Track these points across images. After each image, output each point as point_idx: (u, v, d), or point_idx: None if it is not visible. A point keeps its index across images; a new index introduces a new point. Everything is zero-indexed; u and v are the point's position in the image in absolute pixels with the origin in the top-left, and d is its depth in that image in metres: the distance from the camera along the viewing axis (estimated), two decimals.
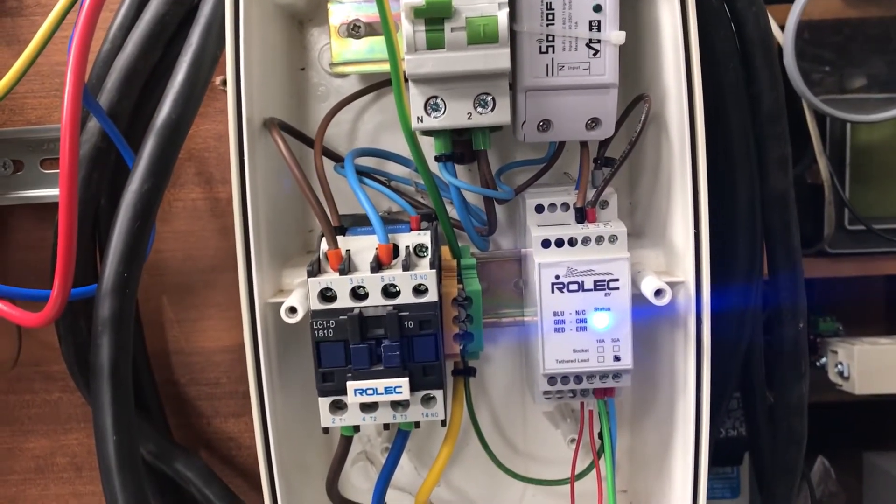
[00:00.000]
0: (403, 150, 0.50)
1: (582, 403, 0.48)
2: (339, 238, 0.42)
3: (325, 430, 0.42)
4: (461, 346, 0.44)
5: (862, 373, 0.65)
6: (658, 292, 0.42)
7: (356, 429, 0.43)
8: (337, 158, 0.49)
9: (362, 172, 0.48)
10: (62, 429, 0.57)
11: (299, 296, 0.43)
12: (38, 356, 0.56)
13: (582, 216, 0.44)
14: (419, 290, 0.40)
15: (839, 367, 0.68)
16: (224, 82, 0.42)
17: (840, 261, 0.68)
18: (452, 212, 0.46)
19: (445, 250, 0.46)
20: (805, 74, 0.61)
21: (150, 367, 0.54)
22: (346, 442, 0.44)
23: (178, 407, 0.56)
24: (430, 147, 0.43)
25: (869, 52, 0.69)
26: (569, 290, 0.43)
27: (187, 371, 0.56)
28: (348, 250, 0.42)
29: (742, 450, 0.74)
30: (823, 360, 0.70)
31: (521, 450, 0.54)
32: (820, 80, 0.69)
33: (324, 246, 0.42)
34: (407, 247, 0.42)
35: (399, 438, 0.44)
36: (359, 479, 0.54)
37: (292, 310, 0.42)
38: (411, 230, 0.43)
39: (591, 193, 0.44)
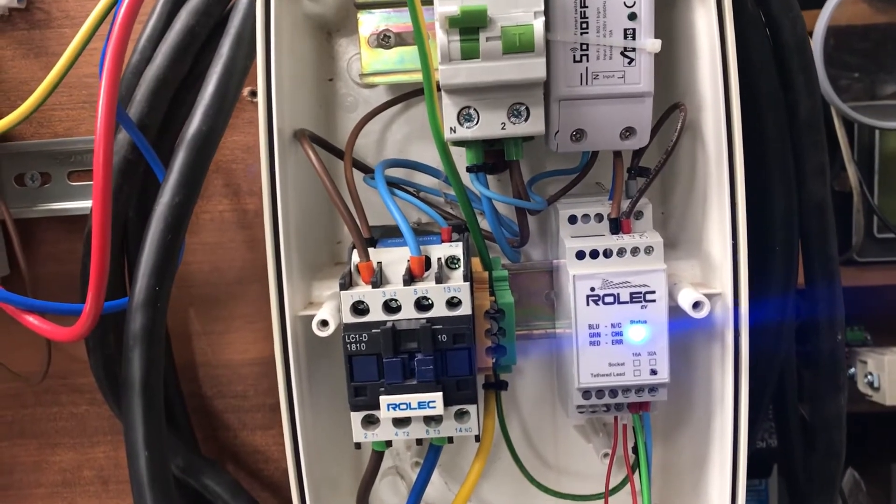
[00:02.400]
0: (432, 160, 0.49)
1: (616, 417, 0.47)
2: (371, 250, 0.42)
3: (358, 446, 0.41)
4: (493, 360, 0.43)
5: (893, 383, 0.64)
6: (696, 304, 0.41)
7: (388, 444, 0.42)
8: (366, 169, 0.49)
9: (392, 183, 0.47)
10: (89, 442, 0.57)
11: (330, 308, 0.43)
12: (65, 369, 0.56)
13: (616, 227, 0.43)
14: (452, 303, 0.40)
15: (869, 377, 0.67)
16: (252, 93, 0.42)
17: (869, 269, 0.67)
18: (483, 223, 0.45)
19: (476, 262, 0.45)
20: (833, 81, 0.61)
21: (177, 379, 0.54)
22: (378, 457, 0.43)
23: (205, 420, 0.56)
24: (459, 157, 0.42)
25: None
26: (604, 303, 0.42)
27: (214, 384, 0.56)
28: (380, 262, 0.41)
29: (771, 461, 0.73)
30: (852, 370, 0.69)
31: (553, 464, 0.53)
32: (848, 86, 0.68)
33: (355, 258, 0.41)
34: (439, 259, 0.41)
35: (431, 453, 0.43)
36: (388, 494, 0.53)
37: (324, 323, 0.42)
38: (442, 241, 0.42)
39: (625, 204, 0.44)
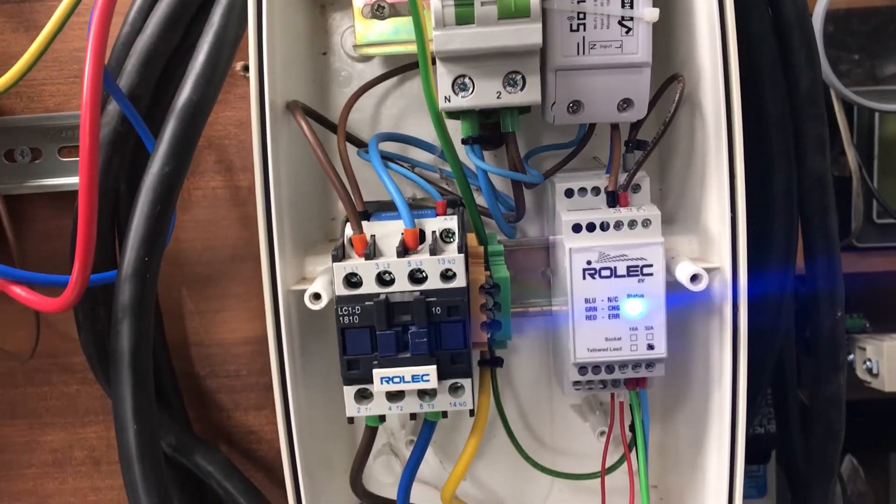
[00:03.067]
0: (428, 136, 0.49)
1: (612, 395, 0.47)
2: (364, 223, 0.41)
3: (351, 420, 0.41)
4: (489, 335, 0.42)
5: (892, 369, 0.63)
6: (694, 277, 0.41)
7: (382, 419, 0.42)
8: (360, 144, 0.48)
9: (387, 158, 0.47)
10: (80, 422, 0.56)
11: (323, 282, 0.42)
12: (56, 347, 0.55)
13: (613, 200, 0.43)
14: (447, 276, 0.39)
15: (868, 363, 0.66)
16: (245, 68, 0.41)
17: (868, 255, 0.66)
18: (479, 199, 0.44)
19: (471, 237, 0.45)
20: (833, 64, 0.60)
21: (169, 358, 0.53)
22: (371, 433, 0.43)
23: (198, 399, 0.55)
24: (455, 132, 0.41)
25: None
26: (601, 277, 0.41)
27: (207, 363, 0.55)
28: (373, 235, 0.40)
29: (769, 447, 0.72)
30: (851, 356, 0.68)
31: (549, 443, 0.53)
32: (848, 71, 0.67)
33: (348, 231, 0.41)
34: (433, 232, 0.41)
35: (425, 429, 0.43)
36: (382, 473, 0.53)
37: (316, 296, 0.41)
38: (437, 215, 0.42)
39: (622, 177, 0.43)
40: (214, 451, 0.49)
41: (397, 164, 0.47)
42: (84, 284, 0.35)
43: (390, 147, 0.49)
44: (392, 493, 0.44)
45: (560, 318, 0.45)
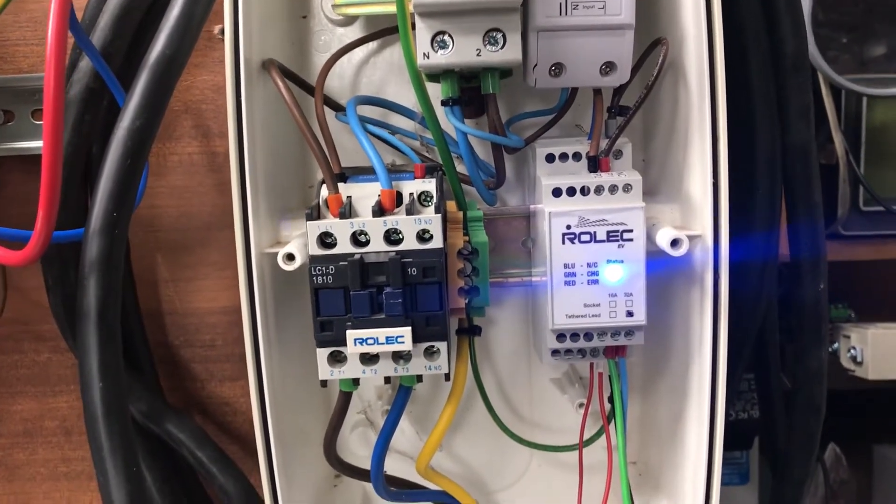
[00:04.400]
0: (408, 103, 0.48)
1: (592, 364, 0.46)
2: (340, 185, 0.40)
3: (324, 384, 0.40)
4: (466, 301, 0.42)
5: (876, 357, 0.63)
6: (675, 242, 0.40)
7: (356, 383, 0.41)
8: (339, 108, 0.47)
9: (366, 122, 0.46)
10: (51, 391, 0.55)
11: (298, 244, 0.41)
12: (27, 315, 0.54)
13: (595, 165, 0.42)
14: (423, 237, 0.38)
15: (852, 351, 0.66)
16: (222, 31, 0.40)
17: (854, 244, 0.66)
18: (459, 168, 0.44)
19: (451, 205, 0.44)
20: (822, 49, 0.60)
21: (142, 326, 0.52)
22: (345, 398, 0.42)
23: (172, 370, 0.54)
24: (435, 99, 0.41)
25: (890, 24, 0.67)
26: (580, 241, 0.41)
27: (181, 332, 0.54)
28: (349, 197, 0.40)
29: (752, 433, 0.72)
30: (836, 345, 0.68)
31: (527, 417, 0.52)
32: (836, 56, 0.67)
33: (323, 192, 0.40)
34: (411, 194, 0.40)
35: (400, 395, 0.42)
36: (358, 446, 0.52)
37: (290, 257, 0.41)
38: (415, 178, 0.41)
39: (603, 143, 0.43)
40: (186, 420, 0.48)
41: (376, 129, 0.46)
42: (48, 236, 0.34)
43: (370, 112, 0.48)
44: (368, 466, 0.43)
45: (540, 288, 0.45)
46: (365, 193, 0.40)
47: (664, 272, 0.43)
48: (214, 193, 0.51)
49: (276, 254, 0.41)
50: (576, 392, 0.50)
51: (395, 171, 0.42)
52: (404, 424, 0.51)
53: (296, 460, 0.46)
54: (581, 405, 0.50)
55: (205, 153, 0.52)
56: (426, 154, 0.48)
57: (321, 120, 0.42)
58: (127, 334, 0.51)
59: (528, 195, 0.48)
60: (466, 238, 0.42)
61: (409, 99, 0.48)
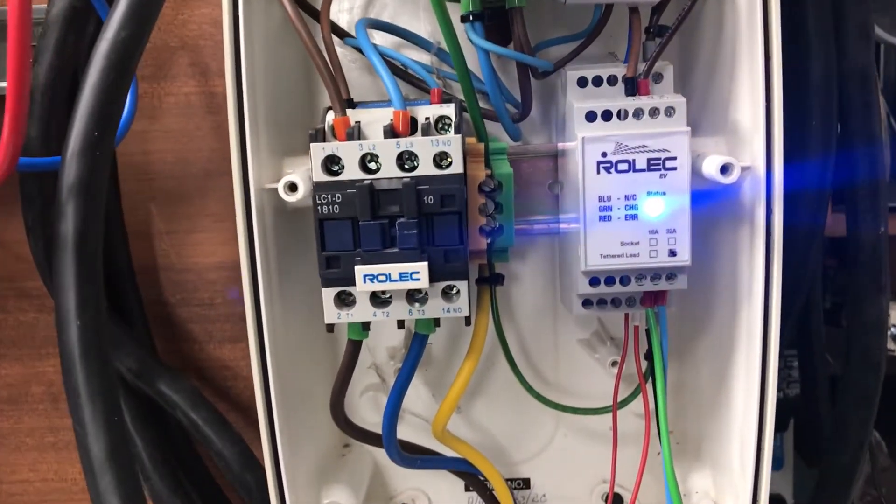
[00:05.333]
0: (423, 33, 0.44)
1: (627, 316, 0.41)
2: (349, 111, 0.36)
3: (330, 329, 0.36)
4: (489, 241, 0.37)
5: None
6: (725, 168, 0.36)
7: (365, 328, 0.37)
8: (346, 36, 0.43)
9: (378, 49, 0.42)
10: (37, 353, 0.51)
11: (302, 174, 0.37)
12: (11, 270, 0.50)
13: (633, 88, 0.38)
14: (441, 161, 0.34)
15: (892, 330, 0.61)
16: None
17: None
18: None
19: (470, 140, 0.40)
20: None
21: (135, 282, 0.48)
22: (354, 348, 0.37)
23: (167, 330, 0.50)
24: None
25: None
26: (617, 171, 0.36)
27: (178, 290, 0.50)
28: (358, 122, 0.35)
29: (788, 414, 0.67)
30: None
31: (553, 381, 0.48)
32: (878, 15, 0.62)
33: (329, 117, 0.36)
34: (427, 118, 0.36)
35: (415, 344, 0.37)
36: (369, 411, 0.48)
37: (292, 186, 0.37)
38: (432, 104, 0.37)
39: (641, 67, 0.38)
40: (181, 379, 0.44)
41: (389, 50, 0.42)
42: (18, 147, 0.30)
43: (381, 42, 0.44)
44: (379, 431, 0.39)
45: (569, 231, 0.40)
46: (375, 118, 0.36)
47: (708, 210, 0.38)
48: (213, 137, 0.47)
49: (277, 189, 0.37)
50: (607, 352, 0.46)
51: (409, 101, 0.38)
52: (419, 387, 0.47)
53: (301, 426, 0.42)
54: (614, 364, 0.45)
55: (203, 93, 0.48)
56: (444, 90, 0.44)
57: (328, 44, 0.38)
58: (117, 290, 0.47)
59: (557, 132, 0.44)
60: (488, 172, 0.37)
61: (423, 27, 0.44)
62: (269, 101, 0.39)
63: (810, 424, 0.62)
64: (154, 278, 0.50)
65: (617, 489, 0.48)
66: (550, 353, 0.47)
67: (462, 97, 0.37)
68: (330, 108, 0.36)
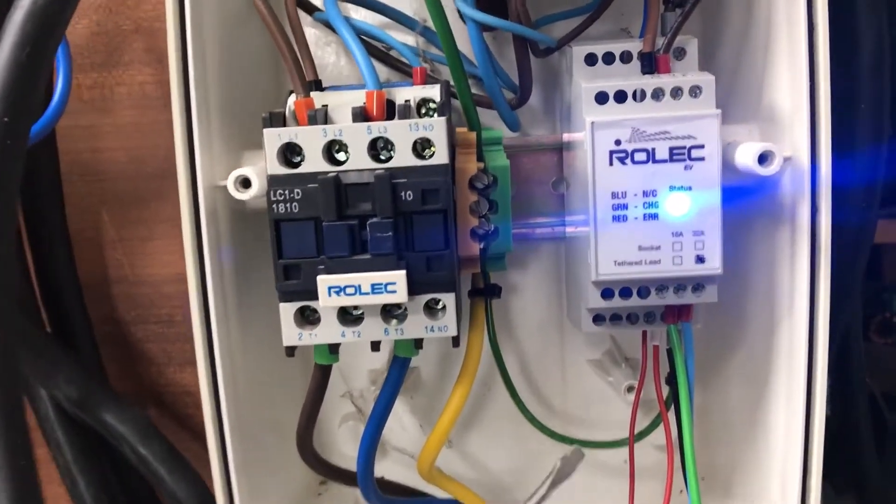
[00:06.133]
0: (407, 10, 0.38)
1: (645, 334, 0.35)
2: (315, 94, 0.30)
3: (290, 353, 0.30)
4: (482, 247, 0.31)
5: None
6: (764, 157, 0.30)
7: (334, 351, 0.31)
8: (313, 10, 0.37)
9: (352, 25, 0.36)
10: None
11: (259, 168, 0.31)
12: None
13: (651, 65, 0.32)
14: (423, 152, 0.28)
15: None
16: None
17: None
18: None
19: (460, 130, 0.34)
20: None
21: (81, 298, 0.42)
22: (323, 375, 0.32)
23: (120, 352, 0.44)
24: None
25: None
26: (633, 162, 0.31)
27: (132, 306, 0.44)
28: (325, 106, 0.30)
29: None
30: None
31: (559, 408, 0.42)
32: None
33: (290, 100, 0.30)
34: (407, 101, 0.30)
35: (395, 368, 0.32)
36: (348, 445, 0.41)
37: (244, 182, 0.31)
38: (414, 84, 0.31)
39: (660, 41, 0.32)
40: (129, 408, 0.38)
41: (364, 24, 0.36)
42: None
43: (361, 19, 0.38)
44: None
45: (576, 240, 0.35)
46: (345, 101, 0.30)
47: (740, 209, 0.32)
48: (171, 134, 0.41)
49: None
50: (622, 375, 0.40)
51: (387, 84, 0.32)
52: (403, 417, 0.41)
53: (265, 461, 0.36)
54: (630, 389, 0.39)
55: (159, 83, 0.42)
56: (430, 73, 0.38)
57: (291, 16, 0.33)
58: (60, 307, 0.41)
59: (562, 126, 0.38)
60: (481, 165, 0.32)
61: (407, 3, 0.38)
62: (225, 87, 0.34)
63: (843, 449, 0.55)
64: (105, 293, 0.44)
65: None
66: (556, 377, 0.42)
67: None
68: (293, 92, 0.31)
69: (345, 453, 0.41)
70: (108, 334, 0.44)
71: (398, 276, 0.28)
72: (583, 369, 0.41)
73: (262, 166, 0.31)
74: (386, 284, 0.28)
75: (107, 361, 0.44)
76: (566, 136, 0.36)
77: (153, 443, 0.37)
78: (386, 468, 0.40)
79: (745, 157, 0.30)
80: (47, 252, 0.41)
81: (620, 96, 0.31)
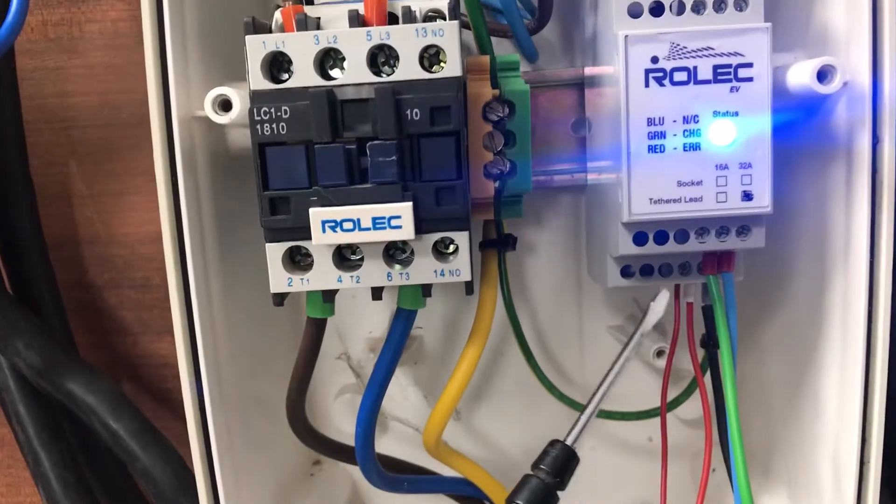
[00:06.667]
0: None
1: (678, 290, 0.32)
2: (307, 7, 0.26)
3: (279, 301, 0.26)
4: (496, 185, 0.27)
5: None
6: (823, 73, 0.26)
7: (329, 299, 0.27)
8: None
9: None
10: None
11: (240, 91, 0.27)
12: None
13: None
14: (430, 60, 0.24)
15: None
16: None
17: None
18: None
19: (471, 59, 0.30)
20: None
21: (46, 259, 0.38)
22: (316, 330, 0.28)
23: (92, 319, 0.40)
24: None
25: None
26: (672, 83, 0.27)
27: (105, 268, 0.40)
28: (318, 18, 0.26)
29: None
30: None
31: (577, 380, 0.38)
32: None
33: (277, 15, 0.26)
34: (409, 6, 0.26)
35: (398, 323, 0.27)
36: (345, 420, 0.38)
37: (224, 104, 0.27)
38: None
39: None
40: (98, 378, 0.34)
41: None
42: None
43: None
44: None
45: (599, 187, 0.31)
46: (341, 13, 0.26)
47: (784, 143, 0.28)
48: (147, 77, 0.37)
49: (205, 109, 0.27)
50: (648, 339, 0.35)
51: None
52: (407, 388, 0.37)
53: (251, 439, 0.32)
54: (660, 353, 0.35)
55: (134, 19, 0.38)
56: None
57: None
58: (22, 269, 0.37)
59: (585, 54, 0.34)
60: (496, 92, 0.28)
61: None
62: (204, 11, 0.30)
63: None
64: (74, 254, 0.40)
65: None
66: (574, 345, 0.38)
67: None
68: (279, 7, 0.27)
69: (341, 430, 0.37)
70: (77, 301, 0.40)
71: (403, 209, 0.24)
72: (602, 337, 0.38)
73: (244, 90, 0.27)
74: (389, 218, 0.24)
75: (77, 331, 0.39)
76: (588, 70, 0.33)
77: (125, 416, 0.33)
78: (386, 444, 0.37)
79: (801, 75, 0.26)
80: (9, 208, 0.37)
81: (657, 8, 0.27)
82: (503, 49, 0.32)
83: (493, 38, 0.30)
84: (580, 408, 0.34)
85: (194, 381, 0.29)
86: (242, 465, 0.31)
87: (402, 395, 0.37)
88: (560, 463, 0.29)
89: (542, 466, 0.29)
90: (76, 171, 0.39)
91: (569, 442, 0.29)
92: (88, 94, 0.39)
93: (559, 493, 0.29)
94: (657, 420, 0.33)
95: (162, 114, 0.28)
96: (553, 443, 0.29)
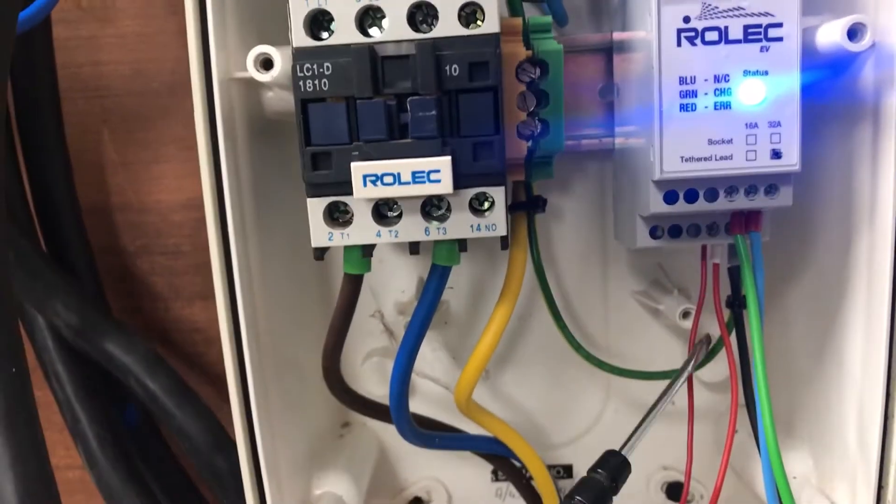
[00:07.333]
0: None
1: (704, 250, 0.32)
2: None
3: (320, 255, 0.27)
4: (529, 145, 0.28)
5: None
6: (853, 31, 0.27)
7: (367, 254, 0.27)
8: None
9: None
10: None
11: (282, 50, 0.28)
12: None
13: None
14: (469, 18, 0.25)
15: None
16: None
17: None
18: None
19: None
20: None
21: (81, 224, 0.39)
22: (353, 286, 0.28)
23: (124, 285, 0.41)
24: None
25: None
26: (704, 42, 0.27)
27: (137, 235, 0.41)
28: None
29: None
30: None
31: (602, 344, 0.38)
32: None
33: None
34: None
35: (433, 279, 0.28)
36: (374, 384, 0.38)
37: (266, 63, 0.27)
38: None
39: None
40: (136, 339, 0.35)
41: None
42: None
43: None
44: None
45: (626, 152, 0.31)
46: None
47: (810, 102, 0.29)
48: (179, 44, 0.38)
49: (252, 81, 0.28)
50: (673, 301, 0.36)
51: None
52: (437, 350, 0.38)
53: (285, 400, 0.33)
54: (686, 314, 0.36)
55: None
56: None
57: None
58: (58, 234, 0.38)
59: (613, 24, 0.34)
60: (529, 53, 0.28)
61: None
62: None
63: None
64: (107, 221, 0.40)
65: (681, 477, 0.38)
66: (599, 309, 0.38)
67: None
68: None
69: (371, 392, 0.38)
70: (109, 266, 0.41)
71: (443, 163, 0.25)
72: (627, 301, 0.38)
73: (286, 49, 0.28)
74: (429, 172, 0.25)
75: (109, 296, 0.40)
76: (617, 35, 0.33)
77: (161, 375, 0.34)
78: (414, 406, 0.37)
79: (832, 33, 0.27)
80: (44, 174, 0.37)
81: None
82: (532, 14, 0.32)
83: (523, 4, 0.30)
84: (606, 367, 0.35)
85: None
86: (279, 427, 0.32)
87: (433, 356, 0.38)
88: (616, 470, 0.30)
89: (600, 470, 0.29)
90: (108, 139, 0.40)
91: (624, 452, 0.30)
92: (120, 64, 0.39)
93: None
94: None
95: (202, 75, 0.28)
96: (611, 452, 0.30)
